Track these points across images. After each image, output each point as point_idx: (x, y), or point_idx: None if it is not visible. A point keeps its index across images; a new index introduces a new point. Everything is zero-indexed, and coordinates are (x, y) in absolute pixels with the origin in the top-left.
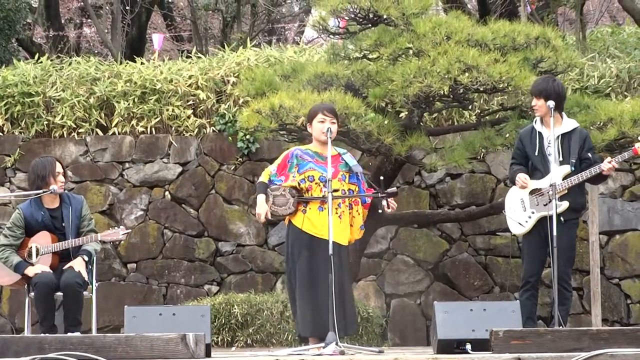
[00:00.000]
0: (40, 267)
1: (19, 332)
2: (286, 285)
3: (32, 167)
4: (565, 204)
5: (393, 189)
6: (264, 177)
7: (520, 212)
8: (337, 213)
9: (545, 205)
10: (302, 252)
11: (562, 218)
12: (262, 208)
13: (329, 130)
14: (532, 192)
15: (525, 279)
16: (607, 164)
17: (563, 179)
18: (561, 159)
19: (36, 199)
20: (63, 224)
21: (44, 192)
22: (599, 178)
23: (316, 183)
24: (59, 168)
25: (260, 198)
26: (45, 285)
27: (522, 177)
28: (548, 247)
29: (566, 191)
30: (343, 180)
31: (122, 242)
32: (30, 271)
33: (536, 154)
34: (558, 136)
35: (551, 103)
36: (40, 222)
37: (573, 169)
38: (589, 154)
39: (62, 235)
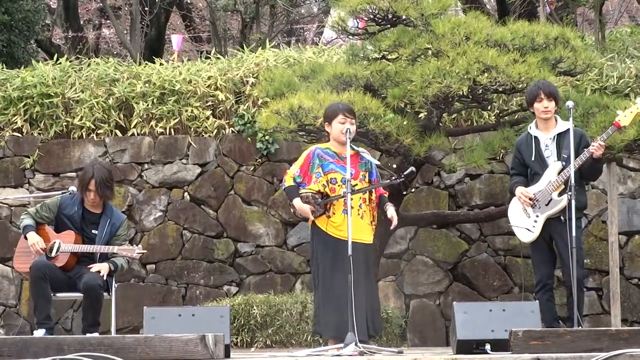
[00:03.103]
0: (38, 237)
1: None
2: (312, 286)
3: (83, 169)
4: (564, 199)
5: (408, 170)
6: (289, 181)
7: (525, 219)
8: (359, 214)
9: (547, 204)
10: (326, 254)
11: (561, 217)
12: (305, 208)
13: (347, 131)
14: (533, 197)
15: (543, 282)
16: (593, 146)
17: (558, 175)
18: (557, 158)
19: (78, 196)
20: (94, 232)
21: (62, 192)
22: (594, 169)
23: (339, 185)
24: (91, 186)
25: (297, 202)
26: (37, 270)
27: (521, 192)
28: (555, 248)
29: (563, 186)
30: (363, 180)
31: (141, 243)
32: (30, 237)
33: (533, 158)
34: (554, 136)
35: (570, 103)
36: (69, 216)
37: (565, 163)
38: (586, 149)
39: (89, 240)
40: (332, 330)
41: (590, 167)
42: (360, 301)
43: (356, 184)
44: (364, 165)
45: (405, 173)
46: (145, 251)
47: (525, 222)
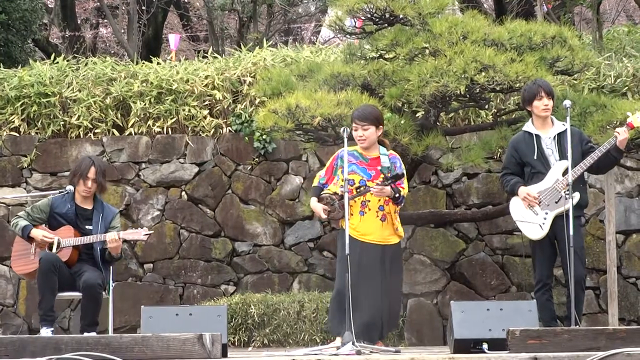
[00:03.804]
0: (44, 232)
1: (35, 332)
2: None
3: (75, 164)
4: (577, 195)
5: (397, 172)
6: (314, 182)
7: (533, 216)
8: (377, 216)
9: (556, 202)
10: (344, 254)
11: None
12: (318, 208)
13: (345, 130)
14: (537, 196)
15: (543, 281)
16: (622, 133)
17: (563, 174)
18: (558, 157)
19: (70, 194)
20: (87, 227)
21: (59, 192)
22: (611, 160)
23: (356, 187)
24: (91, 174)
25: (312, 201)
26: (48, 262)
27: (526, 192)
28: (556, 246)
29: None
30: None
31: (139, 242)
32: (35, 234)
33: (535, 157)
34: (554, 136)
35: (568, 102)
36: (64, 214)
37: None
38: (590, 144)
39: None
40: (337, 328)
41: (607, 159)
42: (368, 301)
43: (372, 185)
44: (386, 168)
45: (390, 176)
46: (152, 232)
47: (534, 219)
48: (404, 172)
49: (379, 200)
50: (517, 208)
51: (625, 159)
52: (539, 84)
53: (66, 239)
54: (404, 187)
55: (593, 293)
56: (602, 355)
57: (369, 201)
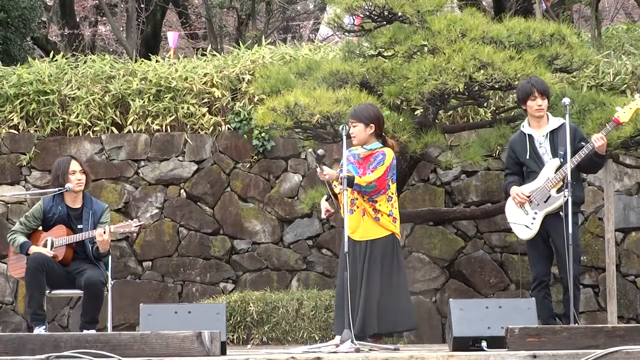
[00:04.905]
0: (43, 249)
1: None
2: None
3: (53, 167)
4: (563, 195)
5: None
6: None
7: (522, 216)
8: (360, 212)
9: (545, 201)
10: (347, 252)
11: (561, 212)
12: (322, 205)
13: (343, 128)
14: (529, 195)
15: (539, 279)
16: (598, 140)
17: (555, 172)
18: (550, 155)
19: (59, 195)
20: (79, 226)
21: (59, 190)
22: (595, 164)
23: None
24: (73, 166)
25: (323, 198)
26: (35, 261)
27: (515, 192)
28: (552, 244)
29: (562, 183)
30: None
31: (138, 240)
32: (33, 250)
33: (528, 157)
34: (547, 134)
35: (567, 100)
36: (57, 217)
37: (562, 160)
38: (583, 143)
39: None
40: (338, 326)
41: (590, 162)
42: (354, 299)
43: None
44: (370, 165)
45: (315, 157)
46: (142, 222)
47: (523, 219)
48: (355, 175)
49: (363, 197)
50: (510, 209)
51: (624, 156)
52: (532, 83)
53: (59, 238)
54: (366, 175)
55: (592, 291)
56: (601, 353)
57: (357, 199)
